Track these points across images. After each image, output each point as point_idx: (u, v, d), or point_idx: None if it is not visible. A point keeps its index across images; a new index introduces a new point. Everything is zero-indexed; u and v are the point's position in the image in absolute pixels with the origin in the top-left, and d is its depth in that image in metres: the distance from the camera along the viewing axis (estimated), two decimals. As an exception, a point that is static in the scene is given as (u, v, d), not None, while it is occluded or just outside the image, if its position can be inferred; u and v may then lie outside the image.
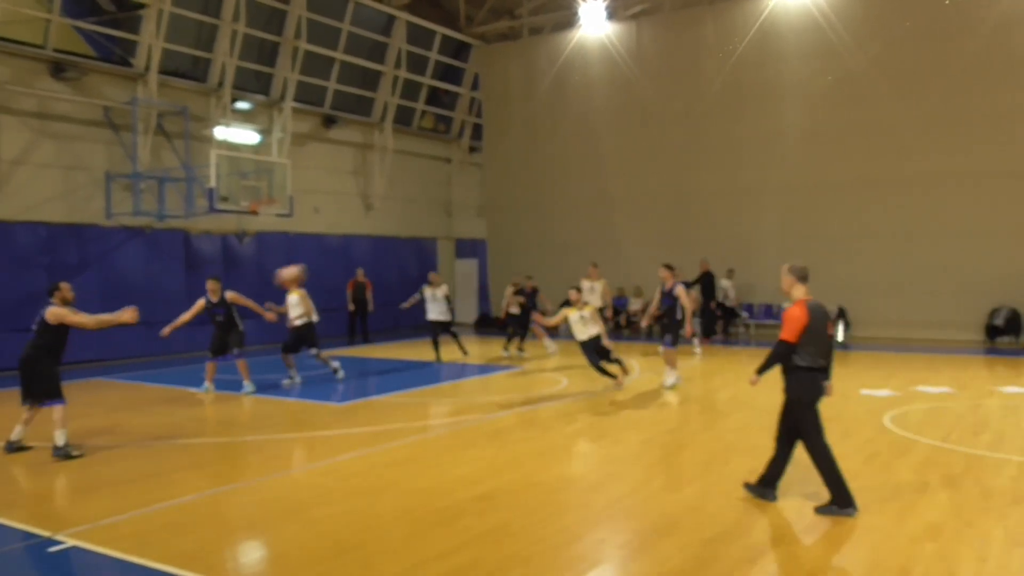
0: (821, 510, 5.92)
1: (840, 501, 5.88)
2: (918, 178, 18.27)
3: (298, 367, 13.21)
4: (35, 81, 15.60)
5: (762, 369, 6.22)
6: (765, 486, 6.28)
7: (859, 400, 10.70)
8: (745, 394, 11.73)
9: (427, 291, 15.34)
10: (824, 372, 6.06)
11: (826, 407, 10.08)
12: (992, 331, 17.54)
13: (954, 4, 17.80)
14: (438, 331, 15.38)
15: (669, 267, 12.50)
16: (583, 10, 22.06)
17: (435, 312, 15.24)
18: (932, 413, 9.70)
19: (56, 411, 8.14)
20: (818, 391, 6.03)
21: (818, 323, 5.96)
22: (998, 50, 17.32)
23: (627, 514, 6.16)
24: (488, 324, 24.21)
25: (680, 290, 12.25)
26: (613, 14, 22.10)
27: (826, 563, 5.14)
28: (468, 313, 25.83)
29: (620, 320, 21.34)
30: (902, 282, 18.39)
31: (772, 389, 12.01)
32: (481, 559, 5.15)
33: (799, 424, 6.11)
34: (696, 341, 17.01)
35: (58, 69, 15.81)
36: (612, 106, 22.45)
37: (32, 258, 15.42)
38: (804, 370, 5.99)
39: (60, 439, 8.09)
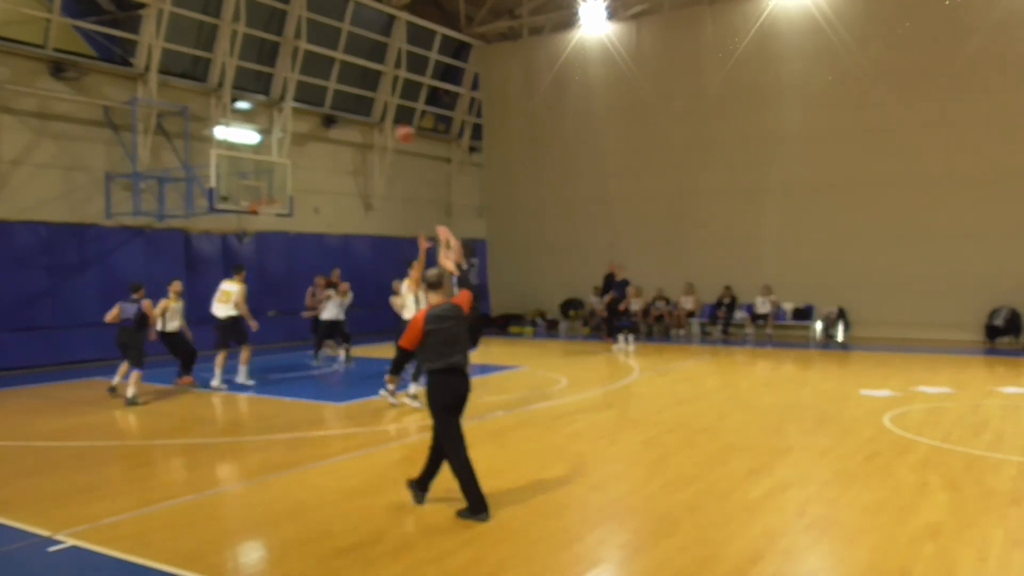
0: (461, 514, 5.95)
1: (474, 508, 5.91)
2: (918, 178, 18.27)
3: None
4: (35, 81, 15.59)
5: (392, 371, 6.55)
6: (420, 488, 6.29)
7: (859, 400, 10.70)
8: (745, 394, 11.75)
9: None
10: (451, 372, 6.03)
11: (827, 407, 10.19)
12: (992, 331, 17.54)
13: (954, 5, 17.80)
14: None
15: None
16: (583, 10, 22.07)
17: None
18: (932, 413, 9.70)
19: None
20: (443, 392, 6.02)
21: (442, 326, 6.02)
22: (998, 51, 17.32)
23: (627, 514, 6.16)
24: (488, 324, 24.18)
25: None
26: (613, 14, 22.11)
27: (826, 563, 5.14)
28: (468, 313, 25.82)
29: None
30: (902, 282, 18.40)
31: (773, 389, 12.05)
32: (481, 559, 5.15)
33: (437, 428, 6.10)
34: (620, 338, 17.61)
35: (58, 69, 15.81)
36: (612, 106, 22.45)
37: (32, 258, 15.42)
38: (436, 373, 6.02)
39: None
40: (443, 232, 8.09)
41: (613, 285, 17.97)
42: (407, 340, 6.07)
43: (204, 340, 13.70)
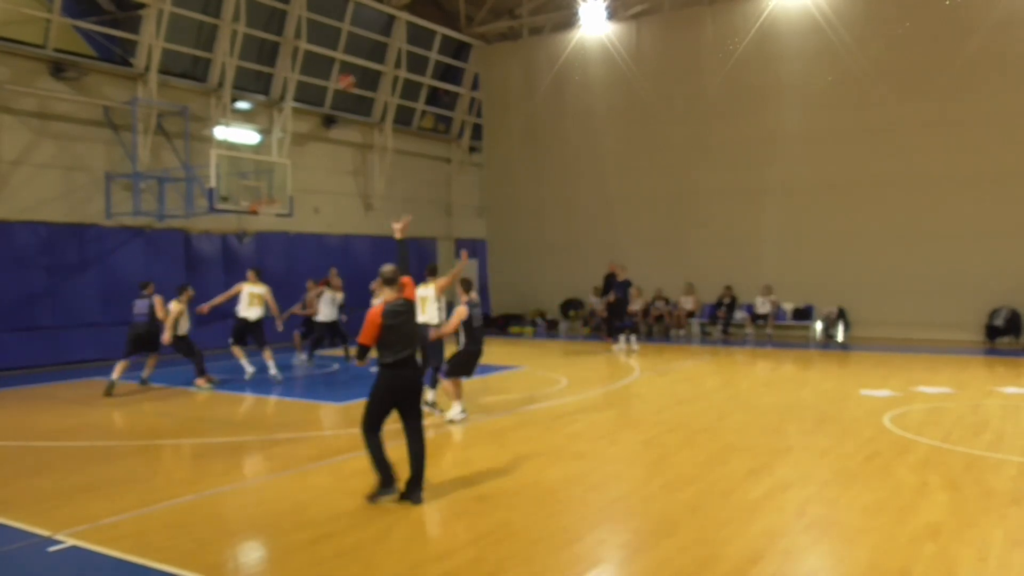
0: (371, 498, 6.32)
1: (383, 482, 6.31)
2: (918, 178, 18.28)
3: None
4: (35, 81, 15.58)
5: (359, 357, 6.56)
6: (413, 491, 6.37)
7: (859, 400, 10.71)
8: (745, 394, 11.75)
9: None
10: (402, 365, 6.32)
11: (827, 407, 10.19)
12: (992, 331, 17.53)
13: (954, 5, 17.81)
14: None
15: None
16: (583, 10, 22.07)
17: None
18: (932, 413, 9.70)
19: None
20: (391, 385, 6.35)
21: (397, 322, 6.31)
22: (998, 50, 17.32)
23: (627, 514, 6.16)
24: (488, 324, 24.19)
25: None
26: (613, 14, 22.11)
27: (826, 563, 5.14)
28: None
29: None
30: (902, 282, 18.40)
31: (773, 389, 12.05)
32: (481, 559, 5.15)
33: (367, 410, 6.41)
34: (621, 338, 17.55)
35: (58, 69, 15.80)
36: (612, 106, 22.45)
37: (32, 258, 15.41)
38: (387, 366, 6.31)
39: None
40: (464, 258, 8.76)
41: (615, 285, 17.94)
42: (366, 336, 6.30)
43: (206, 339, 13.83)
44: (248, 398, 11.78)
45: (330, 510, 6.24)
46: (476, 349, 9.62)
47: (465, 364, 9.62)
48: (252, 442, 8.98)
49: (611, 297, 18.01)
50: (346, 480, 7.13)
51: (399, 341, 6.32)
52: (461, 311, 9.36)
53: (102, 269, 16.48)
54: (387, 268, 6.52)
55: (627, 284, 18.05)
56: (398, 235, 7.10)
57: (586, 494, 6.57)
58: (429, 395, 10.22)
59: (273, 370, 13.09)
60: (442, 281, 10.29)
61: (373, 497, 6.32)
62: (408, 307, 6.50)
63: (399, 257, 6.93)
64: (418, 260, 24.47)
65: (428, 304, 10.24)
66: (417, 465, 6.40)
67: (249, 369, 13.10)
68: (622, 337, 17.58)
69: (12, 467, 7.83)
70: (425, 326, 10.16)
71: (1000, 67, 17.39)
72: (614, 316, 18.17)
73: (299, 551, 5.38)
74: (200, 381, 12.54)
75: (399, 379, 6.36)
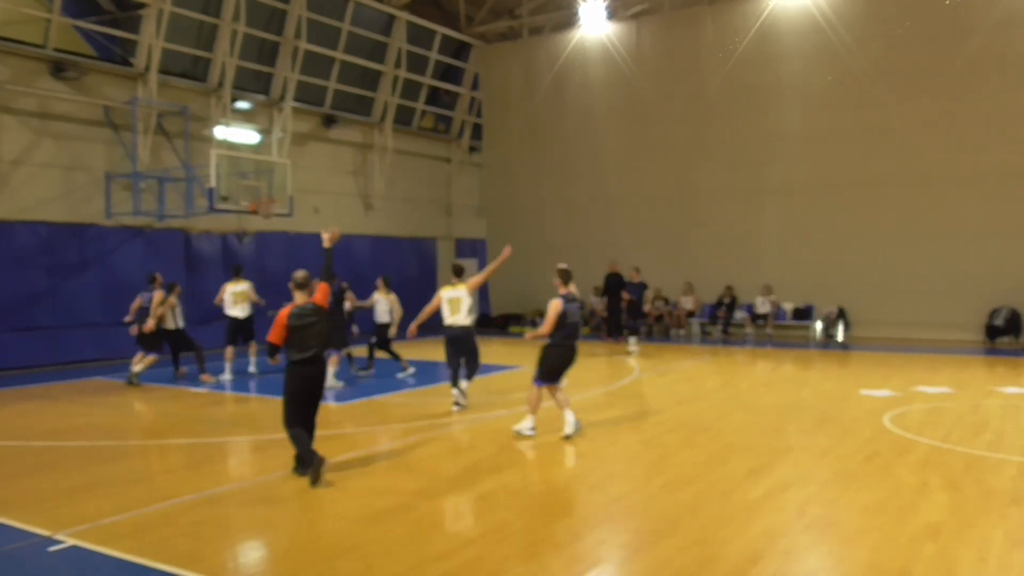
0: (296, 471, 7.07)
1: (305, 463, 6.89)
2: (918, 178, 18.28)
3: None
4: (35, 81, 15.59)
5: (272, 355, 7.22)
6: (304, 466, 6.98)
7: (859, 400, 10.71)
8: (745, 394, 11.75)
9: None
10: (308, 363, 7.01)
11: (827, 407, 10.19)
12: (992, 331, 17.53)
13: (954, 5, 17.80)
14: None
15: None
16: (583, 10, 22.07)
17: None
18: (932, 413, 9.70)
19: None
20: (296, 383, 7.04)
21: (302, 323, 6.96)
22: (998, 50, 17.32)
23: (627, 514, 6.16)
24: (488, 324, 24.20)
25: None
26: (613, 14, 22.11)
27: (826, 563, 5.14)
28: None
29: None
30: (902, 282, 18.40)
31: (773, 389, 12.05)
32: (481, 559, 5.15)
33: (284, 406, 7.14)
34: (631, 340, 17.31)
35: (58, 69, 15.81)
36: (612, 106, 22.45)
37: (32, 258, 15.42)
38: (295, 363, 7.02)
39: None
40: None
41: (629, 287, 17.84)
42: (274, 336, 6.97)
43: (207, 339, 13.85)
44: (248, 398, 11.78)
45: (329, 510, 6.24)
46: (566, 345, 8.71)
47: (556, 366, 8.74)
48: (251, 442, 8.98)
49: (626, 298, 17.89)
50: (345, 480, 7.13)
51: (305, 341, 6.94)
52: (555, 305, 8.55)
53: (102, 269, 16.48)
54: (299, 273, 7.12)
55: (643, 286, 17.97)
56: (326, 244, 7.37)
57: (586, 494, 6.57)
58: (456, 393, 10.31)
59: (252, 367, 13.72)
60: (477, 278, 10.23)
61: (295, 470, 7.08)
62: (316, 311, 7.02)
63: (324, 264, 7.30)
64: (419, 261, 24.58)
65: (460, 305, 10.01)
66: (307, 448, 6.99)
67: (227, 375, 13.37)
68: (632, 338, 17.34)
69: (12, 467, 7.83)
70: (457, 327, 10.12)
71: (1000, 67, 17.39)
72: (628, 316, 18.00)
73: (299, 551, 5.38)
74: (205, 377, 12.92)
75: (305, 374, 7.00)
